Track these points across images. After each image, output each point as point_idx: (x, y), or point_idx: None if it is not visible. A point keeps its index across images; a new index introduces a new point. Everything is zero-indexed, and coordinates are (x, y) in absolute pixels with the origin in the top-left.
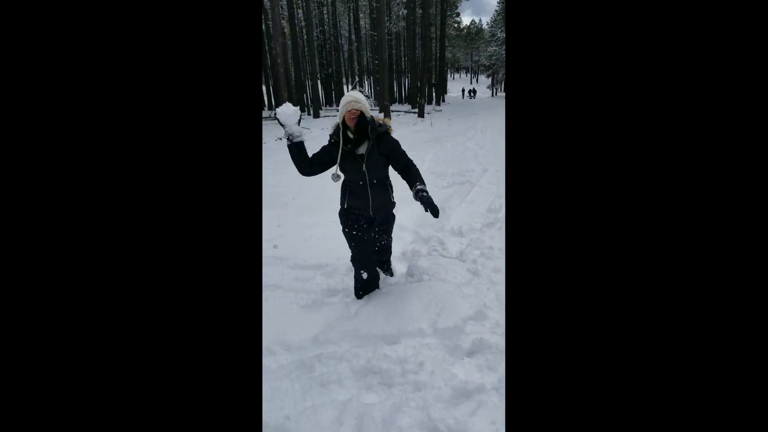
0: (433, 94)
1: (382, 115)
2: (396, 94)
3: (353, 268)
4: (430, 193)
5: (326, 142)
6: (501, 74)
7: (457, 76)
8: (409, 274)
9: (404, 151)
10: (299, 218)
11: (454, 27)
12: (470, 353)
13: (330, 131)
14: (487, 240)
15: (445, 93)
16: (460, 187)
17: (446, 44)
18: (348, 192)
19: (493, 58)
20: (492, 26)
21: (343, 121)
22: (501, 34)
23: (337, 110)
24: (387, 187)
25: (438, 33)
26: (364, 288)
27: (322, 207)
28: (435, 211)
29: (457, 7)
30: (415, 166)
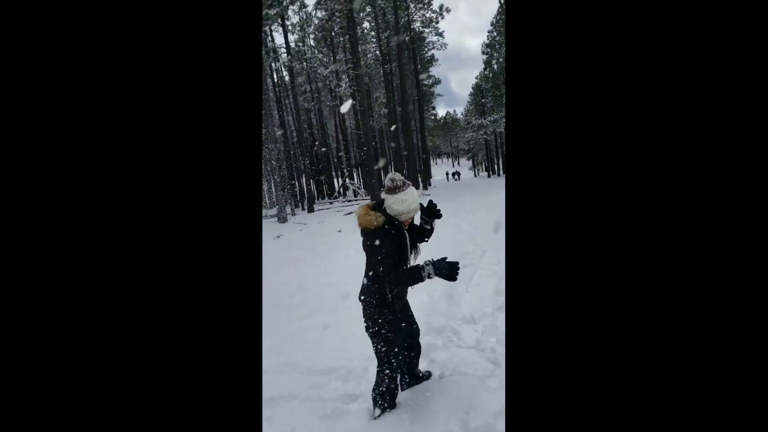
0: (420, 180)
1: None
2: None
3: (391, 373)
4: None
5: (321, 235)
6: (480, 156)
7: (439, 161)
8: (429, 370)
9: None
10: (306, 319)
11: (432, 119)
12: None
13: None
14: (500, 325)
15: (431, 177)
16: (462, 270)
17: (426, 134)
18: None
19: (471, 142)
20: (466, 115)
21: (390, 219)
22: (475, 122)
23: (330, 203)
24: None
25: (418, 125)
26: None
27: (331, 304)
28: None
29: (432, 102)
30: None
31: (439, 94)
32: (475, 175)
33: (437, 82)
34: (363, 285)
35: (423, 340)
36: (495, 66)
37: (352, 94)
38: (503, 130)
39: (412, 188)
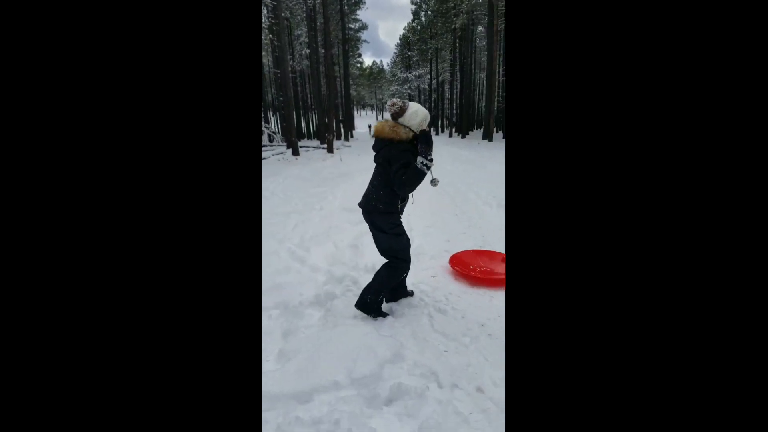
0: (342, 130)
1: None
2: (304, 130)
3: (398, 273)
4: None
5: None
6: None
7: (363, 112)
8: (324, 319)
9: None
10: None
11: (357, 66)
12: (389, 401)
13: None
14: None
15: (353, 129)
16: None
17: (350, 82)
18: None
19: (396, 96)
20: (392, 67)
21: (415, 133)
22: (401, 74)
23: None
24: None
25: (342, 72)
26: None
27: None
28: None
29: (358, 48)
30: None
31: (365, 41)
32: None
33: (364, 27)
34: (379, 194)
35: (322, 290)
36: (423, 18)
37: (269, 27)
38: (427, 86)
39: (411, 102)
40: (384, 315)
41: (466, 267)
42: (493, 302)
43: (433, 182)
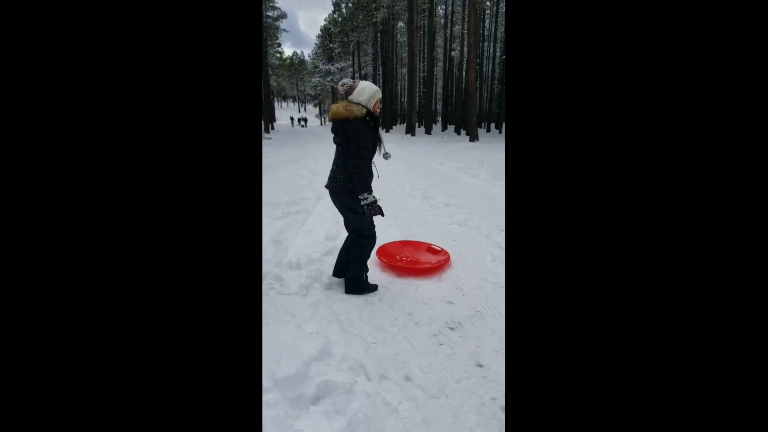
0: (261, 122)
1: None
2: None
3: (368, 249)
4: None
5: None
6: (327, 104)
7: (284, 104)
8: None
9: None
10: None
11: (277, 56)
12: (315, 400)
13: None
14: (327, 269)
15: (274, 121)
16: (295, 216)
17: (270, 72)
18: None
19: (318, 88)
20: (314, 59)
21: (368, 109)
22: (323, 66)
23: None
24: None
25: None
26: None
27: None
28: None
29: (277, 37)
30: None
31: (284, 30)
32: (322, 124)
33: (283, 15)
34: (346, 174)
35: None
36: (344, 10)
37: None
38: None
39: (360, 80)
40: (375, 287)
41: (393, 258)
42: (420, 291)
43: (386, 156)
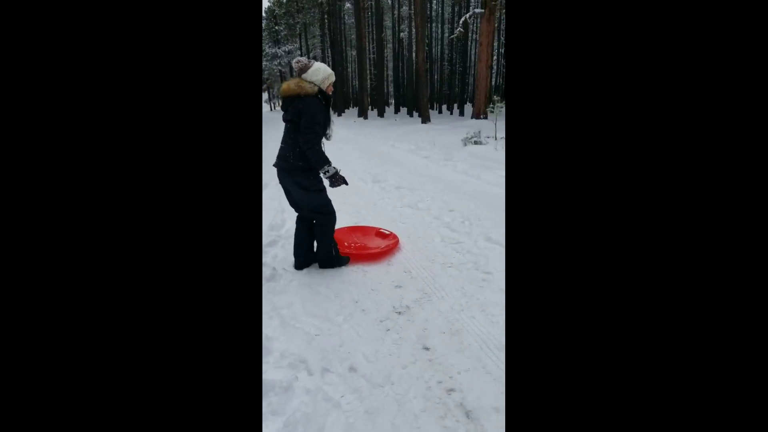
0: None
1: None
2: None
3: (330, 225)
4: None
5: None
6: (276, 88)
7: None
8: None
9: None
10: None
11: None
12: None
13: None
14: (270, 261)
15: None
16: None
17: None
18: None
19: (266, 72)
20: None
21: (320, 88)
22: (270, 50)
23: None
24: None
25: None
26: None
27: None
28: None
29: None
30: None
31: None
32: (272, 109)
33: None
34: (296, 151)
35: None
36: None
37: None
38: None
39: (315, 61)
40: (346, 260)
41: (341, 244)
42: (368, 277)
43: (327, 136)
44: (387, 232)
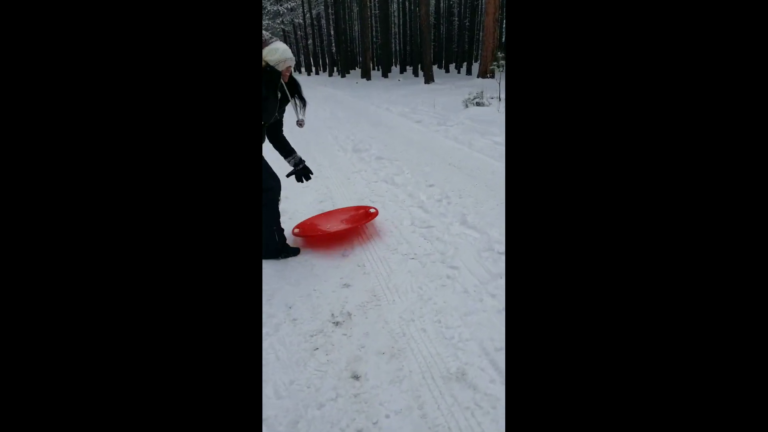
0: None
1: None
2: None
3: (273, 203)
4: None
5: None
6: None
7: None
8: None
9: None
10: None
11: None
12: None
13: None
14: None
15: None
16: None
17: None
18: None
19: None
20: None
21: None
22: (271, 7)
23: None
24: None
25: None
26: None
27: None
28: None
29: None
30: None
31: None
32: None
33: None
34: None
35: None
36: None
37: None
38: (302, 20)
39: (278, 41)
40: (296, 251)
41: (314, 229)
42: (313, 272)
43: (299, 123)
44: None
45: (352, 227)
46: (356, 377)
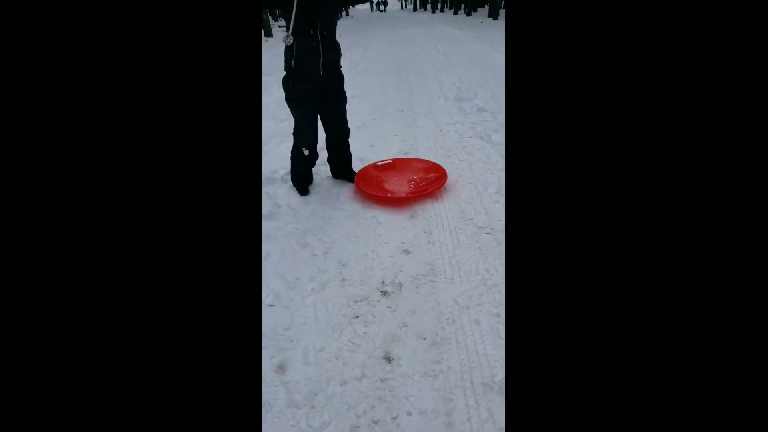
0: None
1: None
2: None
3: (294, 146)
4: None
5: None
6: None
7: None
8: None
9: None
10: None
11: None
12: None
13: None
14: (272, 192)
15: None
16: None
17: None
18: (296, 49)
19: None
20: None
21: None
22: None
23: None
24: (337, 43)
25: None
26: (306, 169)
27: None
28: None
29: None
30: None
31: None
32: (403, 7)
33: None
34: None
35: None
36: None
37: None
38: None
39: None
40: (303, 191)
41: (368, 184)
42: (377, 231)
43: (285, 39)
44: (433, 169)
45: (416, 193)
46: (389, 359)
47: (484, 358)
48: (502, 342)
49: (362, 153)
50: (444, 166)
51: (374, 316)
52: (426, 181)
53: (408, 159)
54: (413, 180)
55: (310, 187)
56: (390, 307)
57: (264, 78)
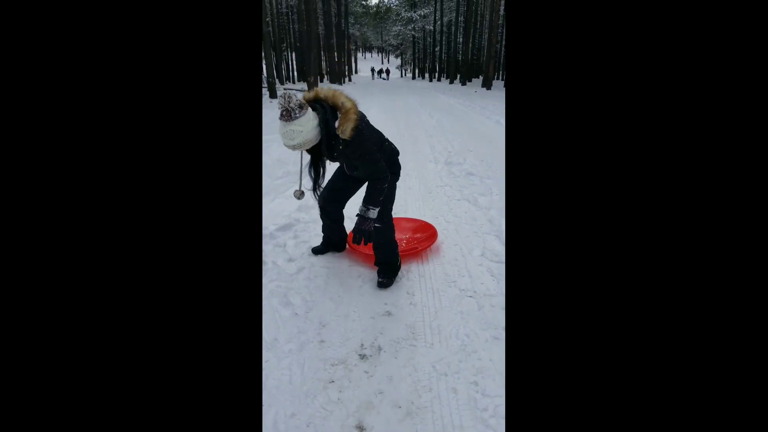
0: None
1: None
2: (295, 72)
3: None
4: None
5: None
6: (408, 54)
7: (368, 55)
8: None
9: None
10: None
11: (362, 5)
12: None
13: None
14: (270, 250)
15: (352, 72)
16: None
17: (353, 21)
18: None
19: (400, 37)
20: (398, 6)
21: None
22: (405, 14)
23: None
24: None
25: (338, 8)
26: (328, 235)
27: None
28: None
29: None
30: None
31: None
32: (402, 75)
33: None
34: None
35: None
36: None
37: None
38: (432, 27)
39: (309, 112)
40: (319, 250)
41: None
42: (361, 291)
43: (296, 194)
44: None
45: (406, 251)
46: (361, 429)
47: (459, 431)
48: (479, 413)
49: (354, 212)
50: (434, 225)
51: (350, 381)
52: (415, 240)
53: (398, 218)
54: (404, 239)
55: (305, 247)
56: (367, 372)
57: (264, 137)
